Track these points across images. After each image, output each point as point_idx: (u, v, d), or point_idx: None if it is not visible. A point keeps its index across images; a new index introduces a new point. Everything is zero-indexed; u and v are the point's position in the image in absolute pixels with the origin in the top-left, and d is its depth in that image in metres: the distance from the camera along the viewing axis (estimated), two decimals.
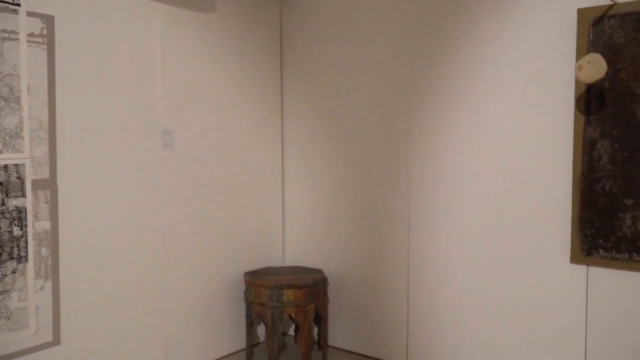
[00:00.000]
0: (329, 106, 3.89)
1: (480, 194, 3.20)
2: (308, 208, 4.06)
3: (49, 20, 2.78)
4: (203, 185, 3.60)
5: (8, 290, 2.60)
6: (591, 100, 2.78)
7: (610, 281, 2.78)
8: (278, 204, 4.18)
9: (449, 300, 3.36)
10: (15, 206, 2.61)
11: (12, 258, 2.61)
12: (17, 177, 2.61)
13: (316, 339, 3.81)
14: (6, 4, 2.55)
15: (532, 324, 3.04)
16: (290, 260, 4.19)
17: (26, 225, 2.64)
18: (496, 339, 3.18)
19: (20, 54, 2.59)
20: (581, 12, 2.78)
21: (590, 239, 2.81)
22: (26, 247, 2.64)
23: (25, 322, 2.67)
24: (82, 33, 2.92)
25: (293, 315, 3.49)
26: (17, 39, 2.59)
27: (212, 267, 3.68)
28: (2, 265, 2.57)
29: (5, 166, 2.56)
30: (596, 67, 2.54)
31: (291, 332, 4.12)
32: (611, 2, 2.69)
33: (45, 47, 2.77)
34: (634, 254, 2.69)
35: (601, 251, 2.78)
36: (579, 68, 2.58)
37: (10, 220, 2.59)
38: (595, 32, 2.75)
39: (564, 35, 2.86)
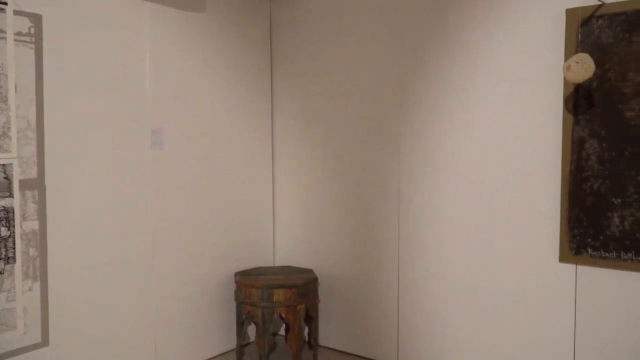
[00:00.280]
0: (319, 106, 3.89)
1: (470, 193, 3.21)
2: (298, 208, 4.06)
3: (36, 19, 2.76)
4: (193, 185, 3.58)
5: None
6: (580, 100, 2.80)
7: (598, 280, 2.80)
8: (268, 204, 4.17)
9: (439, 299, 3.37)
10: (3, 206, 2.59)
11: (0, 259, 2.59)
12: (5, 177, 2.59)
13: (307, 339, 3.81)
14: None
15: (521, 322, 3.05)
16: (280, 260, 4.18)
17: (14, 226, 2.62)
18: (486, 338, 3.19)
19: (8, 53, 2.57)
20: (570, 12, 2.80)
21: (578, 238, 2.83)
22: (14, 248, 2.62)
23: (13, 323, 2.65)
24: (71, 32, 2.90)
25: (283, 315, 3.48)
26: (4, 38, 2.57)
27: (202, 267, 3.67)
28: None
29: None
30: (584, 67, 2.55)
31: (282, 332, 4.12)
32: (599, 3, 2.71)
33: (33, 46, 2.75)
34: (622, 252, 2.70)
35: (590, 250, 2.80)
36: (567, 68, 2.59)
37: None
38: (584, 32, 2.76)
39: (552, 35, 2.88)
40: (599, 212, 2.76)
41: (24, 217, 2.71)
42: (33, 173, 2.76)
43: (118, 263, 3.15)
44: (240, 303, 3.60)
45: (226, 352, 3.84)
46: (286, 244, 4.15)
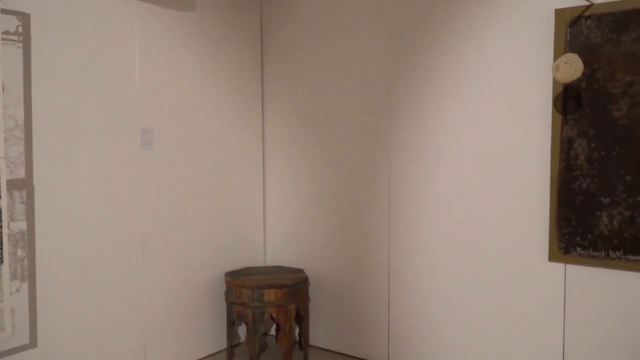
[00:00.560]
0: (310, 106, 3.89)
1: (460, 193, 3.21)
2: (289, 208, 4.05)
3: (24, 18, 2.73)
4: (183, 185, 3.57)
5: None
6: (568, 100, 2.81)
7: (587, 279, 2.82)
8: (259, 204, 4.16)
9: (429, 298, 3.37)
10: None
11: None
12: None
13: (297, 339, 3.80)
14: None
15: (511, 321, 3.06)
16: (271, 260, 4.17)
17: (1, 226, 2.59)
18: (475, 337, 3.20)
19: None
20: (559, 13, 2.81)
21: (567, 237, 2.84)
22: (1, 249, 2.59)
23: (1, 325, 2.62)
24: (59, 31, 2.88)
25: (274, 315, 3.48)
26: None
27: (192, 268, 3.65)
28: None
29: None
30: (573, 67, 2.56)
31: (272, 332, 4.11)
32: (588, 3, 2.72)
33: (20, 45, 2.73)
34: (610, 251, 2.72)
35: (578, 249, 2.81)
36: (556, 68, 2.60)
37: None
38: (573, 32, 2.78)
39: (542, 35, 2.89)
40: (588, 211, 2.78)
41: (11, 218, 2.69)
42: (21, 173, 2.74)
43: (107, 264, 3.13)
44: (230, 303, 3.58)
45: (216, 353, 3.82)
46: (277, 244, 4.14)
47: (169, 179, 3.47)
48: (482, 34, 3.10)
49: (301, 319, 3.66)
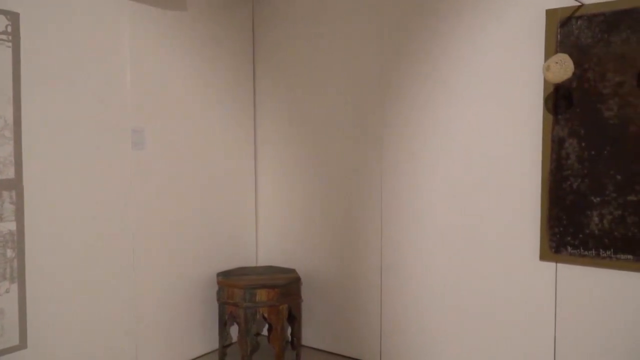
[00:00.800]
0: (302, 106, 3.88)
1: (452, 193, 3.22)
2: (281, 208, 4.05)
3: (14, 17, 2.71)
4: (174, 185, 3.55)
5: None
6: (559, 100, 2.83)
7: (578, 278, 2.83)
8: (251, 204, 4.15)
9: (421, 298, 3.38)
10: None
11: None
12: None
13: (289, 339, 3.80)
14: None
15: (503, 320, 3.07)
16: (263, 260, 4.17)
17: None
18: (467, 336, 3.21)
19: None
20: (549, 13, 2.82)
21: (558, 236, 2.85)
22: None
23: None
24: (49, 30, 2.86)
25: (266, 315, 3.47)
26: None
27: (184, 268, 3.64)
28: None
29: None
30: (563, 67, 2.57)
31: (265, 332, 4.10)
32: (579, 4, 2.73)
33: (10, 44, 2.70)
34: (601, 250, 2.73)
35: (569, 248, 2.82)
36: (546, 68, 2.61)
37: None
38: (563, 32, 2.79)
39: (533, 35, 2.90)
40: (579, 210, 2.79)
41: (1, 218, 2.67)
42: (10, 173, 2.72)
43: (98, 264, 3.11)
44: (222, 303, 3.58)
45: (208, 353, 3.81)
46: (269, 244, 4.14)
47: (160, 179, 3.46)
48: (474, 34, 3.10)
49: (293, 319, 3.66)
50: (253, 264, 4.17)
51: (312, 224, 3.88)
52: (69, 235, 2.97)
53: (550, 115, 2.85)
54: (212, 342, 3.82)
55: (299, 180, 3.93)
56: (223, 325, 3.63)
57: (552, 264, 2.90)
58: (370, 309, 3.60)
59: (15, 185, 2.74)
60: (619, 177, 2.68)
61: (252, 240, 4.17)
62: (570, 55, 2.69)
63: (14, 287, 2.74)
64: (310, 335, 3.92)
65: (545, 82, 2.83)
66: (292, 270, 3.79)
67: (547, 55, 2.82)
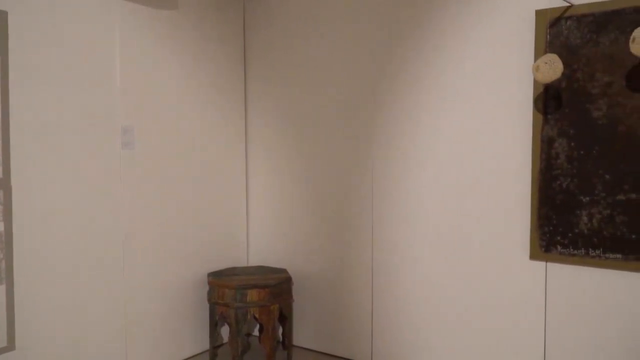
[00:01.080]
0: (293, 105, 3.88)
1: (442, 193, 3.23)
2: (272, 208, 4.04)
3: (2, 16, 2.69)
4: (165, 185, 3.54)
5: None
6: (549, 100, 2.84)
7: (567, 277, 2.84)
8: (242, 204, 4.14)
9: (412, 298, 3.38)
10: None
11: None
12: None
13: (281, 339, 3.79)
14: None
15: (493, 319, 3.08)
16: (254, 260, 4.16)
17: None
18: (458, 334, 3.21)
19: None
20: (539, 14, 2.84)
21: (548, 235, 2.87)
22: None
23: None
24: (38, 29, 2.84)
25: (257, 315, 3.46)
26: None
27: (174, 268, 3.62)
28: None
29: None
30: (553, 67, 2.59)
31: (256, 332, 4.10)
32: (568, 4, 2.75)
33: None
34: (590, 250, 2.75)
35: (559, 247, 2.84)
36: (536, 68, 2.62)
37: None
38: (553, 33, 2.80)
39: (522, 35, 2.91)
40: (568, 210, 2.81)
41: None
42: None
43: (87, 265, 3.09)
44: (213, 304, 3.56)
45: (199, 354, 3.80)
46: (260, 243, 4.13)
47: (150, 179, 3.44)
48: (464, 35, 3.11)
49: (284, 319, 3.65)
50: (244, 264, 4.16)
51: (303, 224, 3.87)
52: (58, 236, 2.94)
53: (540, 115, 2.86)
54: (203, 343, 3.81)
55: (290, 180, 3.93)
56: (214, 326, 3.61)
57: (542, 263, 2.92)
58: (362, 309, 3.60)
59: (4, 185, 2.71)
60: (607, 176, 2.69)
61: (243, 240, 4.16)
62: (560, 56, 2.71)
63: (2, 288, 2.71)
64: (301, 336, 3.92)
65: (535, 82, 2.84)
66: (283, 270, 3.79)
67: (537, 56, 2.83)
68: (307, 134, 3.81)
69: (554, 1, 2.79)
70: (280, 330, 3.77)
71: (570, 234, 2.81)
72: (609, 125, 2.68)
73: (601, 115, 2.70)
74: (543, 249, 2.89)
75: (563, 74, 2.69)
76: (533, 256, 2.92)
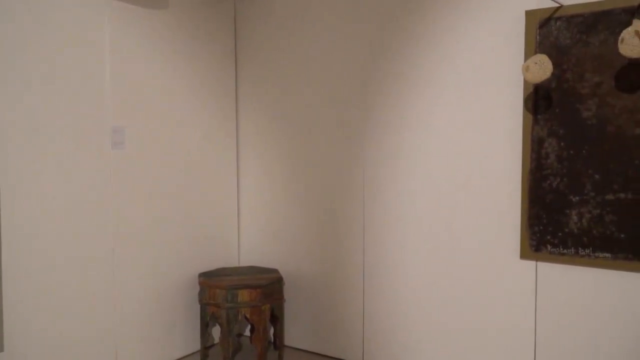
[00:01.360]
0: (285, 106, 3.87)
1: (433, 192, 3.24)
2: (263, 208, 4.03)
3: None
4: (155, 185, 3.52)
5: None
6: (539, 100, 2.85)
7: (557, 276, 2.86)
8: (233, 204, 4.13)
9: (403, 298, 3.39)
10: None
11: None
12: None
13: (272, 339, 3.79)
14: None
15: (484, 319, 3.09)
16: (246, 261, 4.15)
17: None
18: (449, 335, 3.22)
19: None
20: (529, 14, 2.85)
21: (538, 235, 2.88)
22: None
23: None
24: (25, 27, 2.81)
25: (248, 315, 3.45)
26: None
27: (165, 269, 3.61)
28: None
29: None
30: (542, 67, 2.60)
31: (247, 332, 4.09)
32: (558, 5, 2.76)
33: None
34: (579, 249, 2.77)
35: (549, 247, 2.85)
36: (526, 69, 2.64)
37: None
38: (543, 33, 2.82)
39: (512, 36, 2.92)
40: (558, 209, 2.82)
41: None
42: None
43: (77, 266, 3.07)
44: (204, 304, 3.55)
45: (190, 354, 3.79)
46: (251, 244, 4.12)
47: (141, 179, 3.42)
48: (454, 35, 3.12)
49: (276, 319, 3.65)
50: (235, 264, 4.15)
51: (295, 224, 3.87)
52: (47, 237, 2.92)
53: (530, 115, 2.87)
54: (194, 343, 3.80)
55: (281, 180, 3.92)
56: (205, 326, 3.60)
57: (532, 263, 2.93)
58: (353, 309, 3.60)
59: None
60: (597, 176, 2.71)
61: (234, 241, 4.15)
62: (549, 56, 2.72)
63: None
64: (292, 336, 3.91)
65: (525, 82, 2.85)
66: (275, 271, 3.78)
67: (527, 56, 2.84)
68: (298, 134, 3.81)
69: (544, 2, 2.80)
70: (272, 330, 3.77)
71: (560, 234, 2.82)
72: (599, 125, 2.70)
73: (591, 116, 2.71)
74: (533, 249, 2.90)
75: (553, 74, 2.70)
76: (523, 256, 2.93)
